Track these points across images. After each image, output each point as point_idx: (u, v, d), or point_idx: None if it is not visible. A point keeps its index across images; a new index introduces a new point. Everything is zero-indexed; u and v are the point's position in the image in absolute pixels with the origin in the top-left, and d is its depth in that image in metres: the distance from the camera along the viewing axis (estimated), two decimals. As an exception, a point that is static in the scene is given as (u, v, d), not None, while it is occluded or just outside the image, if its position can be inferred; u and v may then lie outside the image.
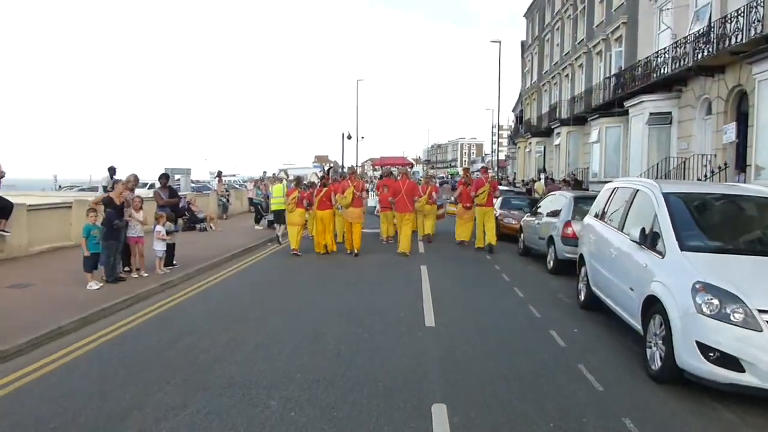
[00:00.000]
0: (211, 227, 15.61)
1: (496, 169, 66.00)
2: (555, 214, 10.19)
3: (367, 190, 12.88)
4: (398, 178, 13.99)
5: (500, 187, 20.09)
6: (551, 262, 10.07)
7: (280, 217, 12.87)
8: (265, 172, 26.44)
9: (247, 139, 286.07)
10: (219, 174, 21.06)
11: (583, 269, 7.44)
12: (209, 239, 13.31)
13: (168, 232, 9.31)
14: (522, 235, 12.14)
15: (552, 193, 12.05)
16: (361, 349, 5.41)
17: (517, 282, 8.96)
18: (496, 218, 13.60)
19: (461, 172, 17.13)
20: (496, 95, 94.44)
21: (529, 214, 12.24)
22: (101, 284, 7.79)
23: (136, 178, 9.01)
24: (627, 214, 6.24)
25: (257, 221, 16.58)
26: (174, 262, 9.48)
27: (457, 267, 10.25)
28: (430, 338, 5.82)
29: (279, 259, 11.09)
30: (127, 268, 8.71)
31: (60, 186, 28.51)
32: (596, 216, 7.41)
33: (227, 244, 12.26)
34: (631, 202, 6.26)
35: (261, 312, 6.80)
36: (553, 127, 28.33)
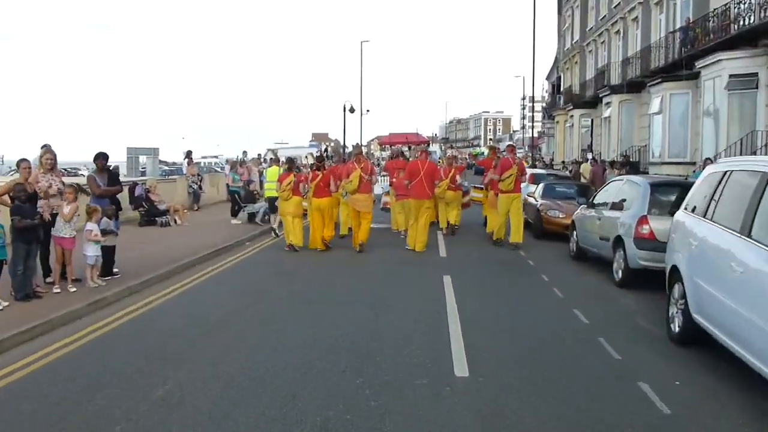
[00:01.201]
0: (176, 221, 15.22)
1: (526, 149, 65.23)
2: (620, 206, 9.43)
3: (376, 174, 12.85)
4: (410, 158, 14.08)
5: (536, 171, 19.91)
6: (619, 272, 9.05)
7: (273, 205, 13.11)
8: (245, 152, 26.05)
9: (233, 115, 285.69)
10: (188, 154, 19.88)
11: (677, 288, 6.27)
12: (171, 238, 12.89)
13: (104, 232, 8.16)
14: (575, 233, 11.37)
15: (617, 178, 10.79)
16: (358, 423, 4.22)
17: (576, 299, 8.05)
18: (537, 210, 13.68)
19: (487, 152, 16.61)
20: (526, 60, 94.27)
21: (583, 205, 11.37)
22: (5, 303, 6.85)
23: (51, 155, 7.95)
24: (756, 211, 4.95)
25: (234, 214, 16.18)
26: (114, 270, 8.67)
27: (491, 276, 9.62)
28: (463, 399, 4.65)
29: (260, 261, 10.77)
30: (50, 279, 7.89)
31: (10, 168, 27.82)
32: (694, 211, 6.40)
33: (193, 244, 11.78)
34: (762, 194, 4.94)
35: (213, 353, 5.70)
36: (601, 95, 27.47)
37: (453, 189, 13.58)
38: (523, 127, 71.14)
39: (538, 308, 7.57)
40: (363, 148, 13.19)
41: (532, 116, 39.63)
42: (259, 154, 28.67)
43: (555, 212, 13.38)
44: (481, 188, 14.79)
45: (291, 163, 12.23)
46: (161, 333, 6.43)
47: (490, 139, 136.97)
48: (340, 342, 6.02)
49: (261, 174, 22.31)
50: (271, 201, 13.49)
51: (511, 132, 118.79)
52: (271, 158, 23.39)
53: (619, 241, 9.12)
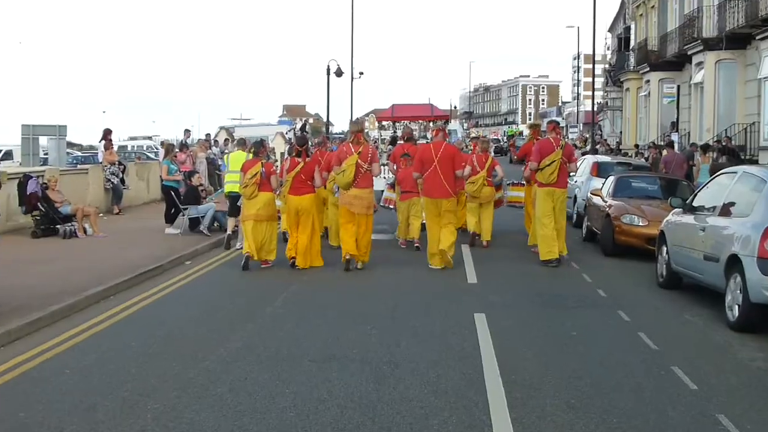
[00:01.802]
0: (85, 230, 15.00)
1: (581, 127, 65.10)
2: (729, 211, 9.30)
3: (379, 161, 12.87)
4: (420, 139, 14.36)
5: (601, 158, 20.56)
6: (735, 308, 8.72)
7: (236, 206, 13.61)
8: (188, 132, 25.92)
9: (177, 83, 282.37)
10: (106, 134, 19.48)
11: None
12: (76, 255, 12.84)
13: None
14: (664, 249, 11.00)
15: (728, 170, 10.49)
16: None
17: (674, 352, 7.63)
18: (607, 215, 13.65)
19: (527, 134, 16.70)
20: (582, 5, 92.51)
21: (677, 209, 11.06)
22: None
23: None
24: None
25: (170, 220, 16.07)
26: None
27: (544, 316, 9.25)
28: None
29: (204, 291, 10.79)
30: None
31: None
32: None
33: (106, 264, 11.73)
34: None
35: None
36: (689, 53, 27.56)
37: (489, 184, 14.08)
38: (577, 98, 71.04)
39: (621, 367, 7.10)
40: (358, 125, 12.99)
41: (592, 82, 39.04)
42: (208, 135, 28.70)
43: (633, 218, 13.36)
44: (522, 184, 15.19)
45: (259, 147, 12.54)
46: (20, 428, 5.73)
47: (530, 114, 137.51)
48: None
49: (212, 162, 22.30)
50: (233, 200, 13.89)
51: (560, 104, 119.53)
52: (231, 140, 23.75)
53: (734, 263, 8.69)
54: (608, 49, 56.47)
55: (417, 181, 12.92)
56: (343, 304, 9.64)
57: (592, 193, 15.00)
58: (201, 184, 16.80)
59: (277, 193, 12.40)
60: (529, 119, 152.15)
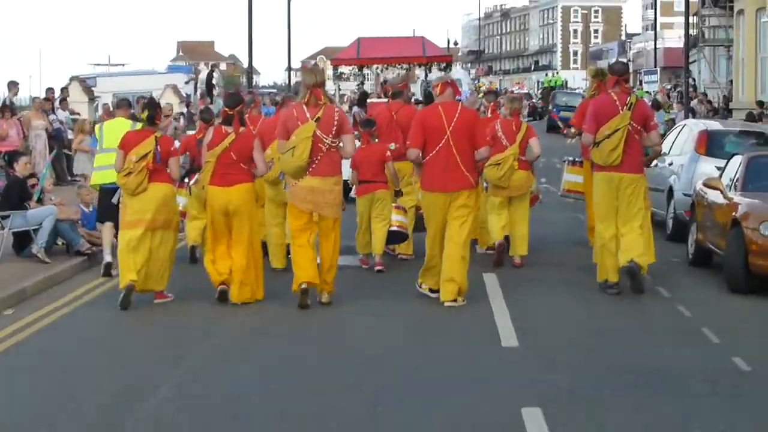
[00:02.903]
0: None
1: (659, 75, 64.69)
2: None
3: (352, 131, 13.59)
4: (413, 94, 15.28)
5: (713, 125, 20.39)
6: None
7: (110, 206, 14.21)
8: (14, 86, 26.15)
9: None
10: None
11: None
12: None
13: None
14: None
15: None
16: None
17: None
18: (736, 222, 13.53)
19: (587, 85, 17.67)
20: None
21: None
22: None
23: None
24: None
25: None
26: None
27: (651, 406, 8.93)
28: None
29: (46, 362, 10.48)
30: None
31: None
32: None
33: None
34: None
35: None
36: None
37: (523, 166, 14.75)
38: (654, 27, 70.54)
39: None
40: (317, 75, 12.97)
41: (685, 6, 38.25)
42: (50, 90, 29.11)
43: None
44: (579, 162, 16.39)
45: (155, 110, 13.11)
46: None
47: (575, 54, 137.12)
48: None
49: (56, 135, 21.43)
50: (106, 195, 14.38)
51: (623, 37, 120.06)
52: (89, 98, 23.94)
53: None
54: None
55: (410, 165, 13.53)
56: (289, 391, 9.22)
57: (704, 185, 14.72)
58: (33, 174, 16.67)
59: (191, 183, 13.49)
60: (574, 61, 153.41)
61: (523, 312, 11.84)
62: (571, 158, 17.02)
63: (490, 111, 16.29)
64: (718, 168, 15.97)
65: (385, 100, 19.19)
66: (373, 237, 14.53)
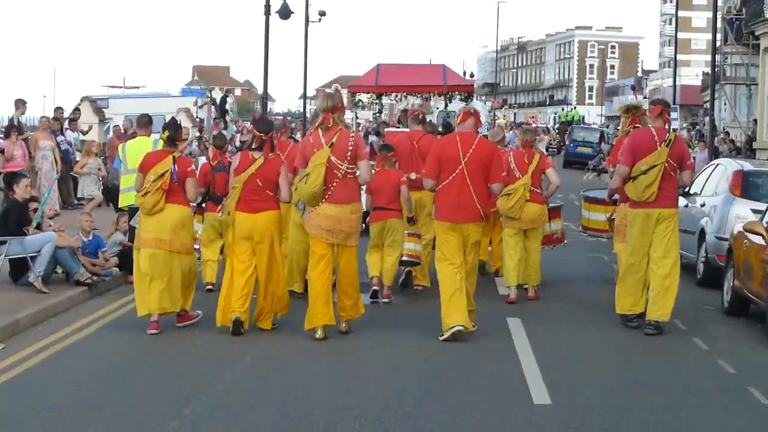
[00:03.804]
0: None
1: (678, 111, 64.64)
2: None
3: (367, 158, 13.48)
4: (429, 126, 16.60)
5: (746, 165, 19.95)
6: None
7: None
8: (21, 104, 25.63)
9: (13, 24, 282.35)
10: None
11: None
12: None
13: None
14: None
15: None
16: None
17: None
18: None
19: (623, 121, 17.52)
20: None
21: None
22: None
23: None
24: None
25: None
26: None
27: None
28: None
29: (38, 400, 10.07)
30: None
31: None
32: None
33: None
34: None
35: None
36: None
37: (537, 199, 14.95)
38: (674, 64, 70.25)
39: None
40: (329, 100, 12.95)
41: (713, 31, 38.10)
42: (60, 110, 28.91)
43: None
44: (606, 201, 15.92)
45: (176, 130, 13.23)
46: None
47: (590, 90, 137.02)
48: None
49: (64, 156, 21.00)
50: (132, 215, 14.81)
51: (639, 73, 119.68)
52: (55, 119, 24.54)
53: None
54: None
55: (430, 195, 13.77)
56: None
57: (746, 229, 14.19)
58: (34, 198, 16.51)
59: (218, 209, 13.54)
60: (589, 96, 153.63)
61: (553, 362, 11.53)
62: (590, 194, 17.12)
63: (519, 142, 16.15)
64: (754, 211, 15.75)
65: (401, 129, 18.91)
66: (383, 267, 14.61)
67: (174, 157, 12.66)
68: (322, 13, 47.72)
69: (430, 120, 20.92)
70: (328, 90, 75.62)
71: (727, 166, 18.91)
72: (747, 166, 19.29)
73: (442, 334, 12.24)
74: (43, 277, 14.65)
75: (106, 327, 13.17)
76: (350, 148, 12.17)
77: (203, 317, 12.94)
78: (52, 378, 10.85)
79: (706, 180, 18.55)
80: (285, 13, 38.48)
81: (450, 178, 12.50)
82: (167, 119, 13.93)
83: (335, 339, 12.24)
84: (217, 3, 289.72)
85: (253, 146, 12.80)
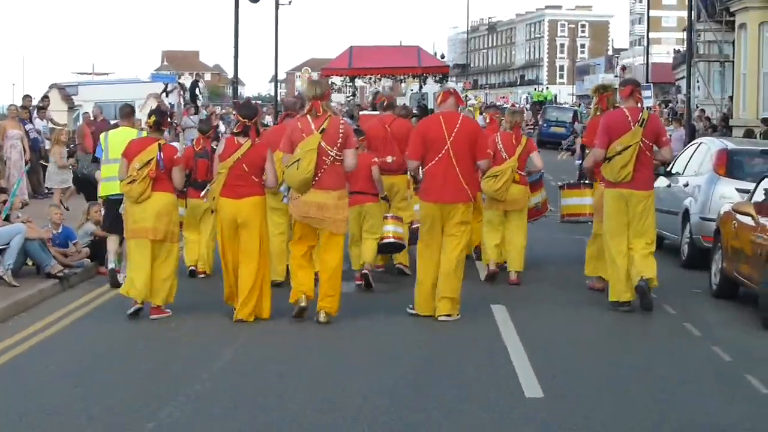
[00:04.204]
0: None
1: (651, 89, 64.76)
2: None
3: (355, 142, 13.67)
4: (401, 107, 16.60)
5: (730, 143, 19.89)
6: None
7: (117, 216, 14.40)
8: None
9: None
10: None
11: None
12: None
13: None
14: None
15: None
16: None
17: None
18: None
19: (593, 101, 17.56)
20: None
21: None
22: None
23: None
24: None
25: None
26: None
27: None
28: None
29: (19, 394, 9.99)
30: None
31: None
32: None
33: None
34: None
35: None
36: None
37: (520, 180, 15.01)
38: (646, 42, 70.41)
39: None
40: (317, 87, 13.17)
41: (688, 7, 37.81)
42: (28, 98, 28.83)
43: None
44: (582, 185, 16.41)
45: (162, 117, 13.43)
46: None
47: (561, 69, 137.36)
48: None
49: (34, 145, 20.82)
50: (113, 206, 14.63)
51: (610, 52, 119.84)
52: (67, 104, 25.24)
53: None
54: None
55: (406, 175, 14.21)
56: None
57: (735, 211, 14.12)
58: (2, 189, 16.90)
59: (201, 196, 13.47)
60: (560, 76, 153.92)
61: (541, 351, 11.38)
62: (567, 181, 17.28)
63: (506, 124, 16.16)
64: (739, 190, 15.83)
65: (376, 112, 18.95)
66: (362, 248, 14.68)
67: (160, 144, 12.72)
68: (290, -1, 47.78)
69: (404, 103, 20.88)
70: (313, 75, 75.84)
71: (711, 146, 18.84)
72: (731, 145, 19.16)
73: (412, 308, 12.60)
74: (13, 270, 14.53)
75: (78, 321, 13.01)
76: (341, 135, 12.25)
77: (184, 307, 12.86)
78: (21, 378, 10.57)
79: (689, 159, 18.52)
80: (253, -6, 38.50)
81: (436, 158, 12.58)
82: (137, 105, 13.83)
83: (317, 329, 12.12)
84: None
85: (236, 131, 12.87)
